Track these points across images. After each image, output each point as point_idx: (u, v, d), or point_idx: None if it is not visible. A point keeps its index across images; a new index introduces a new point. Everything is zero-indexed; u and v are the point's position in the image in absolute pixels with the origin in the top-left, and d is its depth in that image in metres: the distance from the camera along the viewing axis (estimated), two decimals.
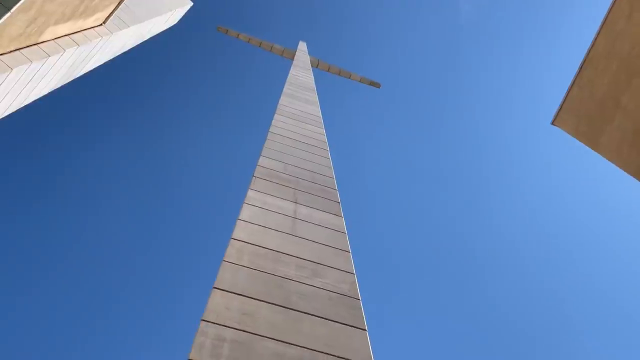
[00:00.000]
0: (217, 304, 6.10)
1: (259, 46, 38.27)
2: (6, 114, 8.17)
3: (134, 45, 13.63)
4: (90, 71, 11.70)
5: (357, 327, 6.55)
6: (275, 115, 16.42)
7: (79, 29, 8.68)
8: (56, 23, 7.58)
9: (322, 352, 5.79)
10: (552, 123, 12.18)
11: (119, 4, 9.57)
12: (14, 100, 7.69)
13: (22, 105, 8.33)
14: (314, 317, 6.41)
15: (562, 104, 11.83)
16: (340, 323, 6.49)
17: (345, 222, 10.08)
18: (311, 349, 5.79)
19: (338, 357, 5.81)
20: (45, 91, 8.83)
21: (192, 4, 18.02)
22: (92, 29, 9.25)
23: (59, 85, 9.47)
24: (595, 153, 11.92)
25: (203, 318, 5.81)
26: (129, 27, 10.86)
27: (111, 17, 9.87)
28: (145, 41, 16.39)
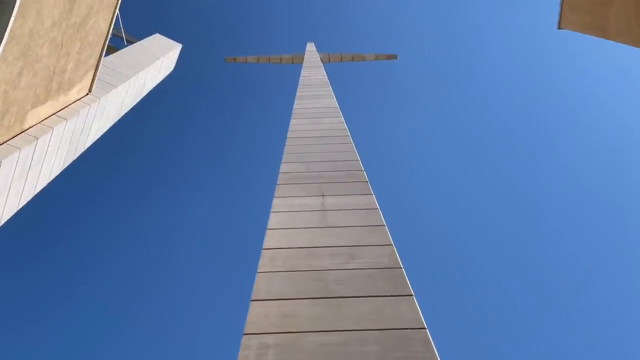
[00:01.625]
0: (257, 314, 6.14)
1: (269, 62, 38.60)
2: (18, 208, 8.56)
3: (135, 102, 14.03)
4: (106, 135, 12.26)
5: (401, 295, 6.41)
6: (292, 120, 16.47)
7: (64, 105, 9.05)
8: (34, 106, 7.94)
9: (367, 330, 5.70)
10: (559, 27, 11.55)
11: (96, 70, 9.89)
12: (22, 192, 8.08)
13: (35, 194, 8.75)
14: (354, 298, 6.33)
15: (562, 4, 11.24)
16: (383, 296, 6.37)
17: (377, 199, 9.93)
18: (356, 330, 5.71)
19: (385, 329, 5.70)
20: (54, 173, 9.21)
21: (180, 45, 18.40)
22: (78, 101, 9.61)
23: (67, 164, 9.88)
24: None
25: (245, 332, 5.86)
26: (116, 87, 11.20)
27: (95, 83, 10.23)
28: (152, 92, 17.01)
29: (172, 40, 17.89)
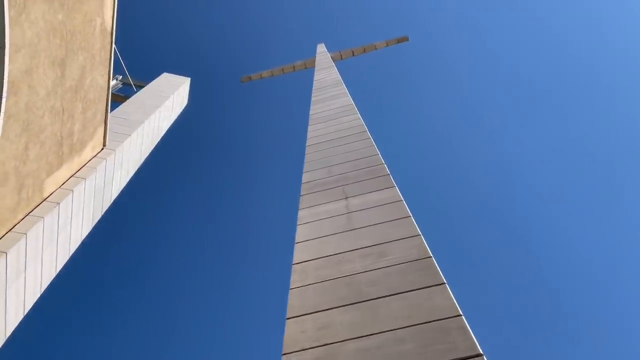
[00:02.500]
0: (293, 332, 6.18)
1: (282, 73, 38.83)
2: (56, 272, 8.85)
3: (154, 144, 14.33)
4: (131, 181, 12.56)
5: (433, 285, 6.33)
6: (309, 127, 16.51)
7: (81, 165, 9.33)
8: (50, 174, 8.21)
9: (403, 328, 5.65)
10: None
11: (105, 124, 10.13)
12: (56, 256, 8.35)
13: (70, 255, 9.06)
14: (387, 297, 6.28)
15: None
16: (415, 289, 6.30)
17: (401, 191, 9.84)
18: (392, 330, 5.66)
19: (420, 323, 5.64)
20: (85, 231, 9.51)
21: (189, 79, 18.65)
22: (94, 158, 9.89)
23: (97, 218, 10.18)
24: None
25: (283, 352, 5.91)
26: (130, 135, 11.48)
27: (107, 136, 10.51)
28: (170, 130, 17.33)
29: (179, 76, 18.20)
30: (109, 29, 9.40)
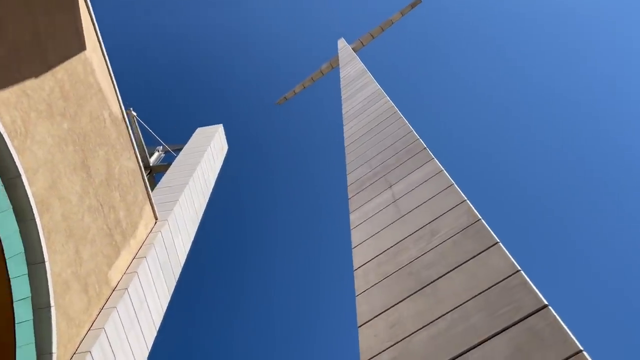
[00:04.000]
0: (366, 338, 6.20)
1: (313, 82, 39.02)
2: (148, 350, 9.28)
3: (207, 198, 14.76)
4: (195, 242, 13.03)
5: (487, 248, 6.15)
6: (344, 127, 16.51)
7: (139, 246, 9.80)
8: (110, 265, 8.68)
9: (467, 301, 5.52)
10: None
11: (150, 200, 10.61)
12: (142, 336, 8.73)
13: (157, 328, 9.49)
14: (446, 275, 6.17)
15: None
16: (471, 258, 6.15)
17: (440, 162, 9.66)
18: (457, 307, 5.55)
19: (482, 292, 5.49)
20: (164, 303, 9.92)
21: (221, 125, 19.05)
22: (150, 234, 10.37)
23: (172, 287, 10.61)
24: None
25: None
26: (178, 200, 11.92)
27: (156, 210, 10.98)
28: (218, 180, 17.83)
29: (212, 126, 18.67)
30: (120, 117, 9.92)
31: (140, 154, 18.64)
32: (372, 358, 5.93)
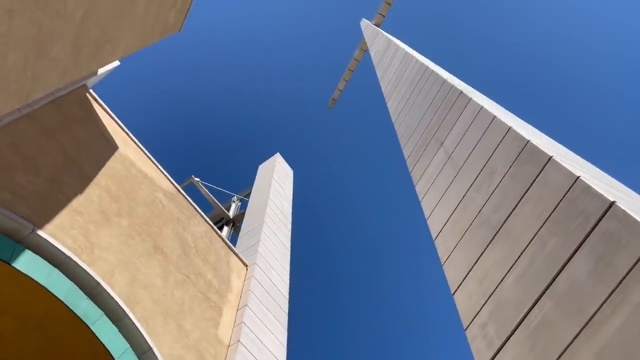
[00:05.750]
0: (463, 302, 6.09)
1: (351, 72, 38.83)
2: None
3: (289, 224, 14.89)
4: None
5: (543, 167, 5.82)
6: (388, 104, 16.29)
7: (238, 297, 10.11)
8: (216, 326, 8.96)
9: (539, 230, 5.26)
10: None
11: (233, 252, 10.96)
12: None
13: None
14: (514, 211, 5.91)
15: None
16: (532, 184, 5.86)
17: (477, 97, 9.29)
18: (533, 238, 5.31)
19: (550, 214, 5.20)
20: (281, 337, 10.03)
21: (277, 153, 19.26)
22: (245, 282, 10.64)
23: (285, 322, 10.74)
24: None
25: (464, 327, 5.83)
26: (259, 240, 12.21)
27: (242, 257, 11.29)
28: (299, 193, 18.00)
29: (270, 158, 19.02)
30: (174, 191, 10.42)
31: (217, 211, 19.50)
32: (472, 319, 5.80)
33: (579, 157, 7.61)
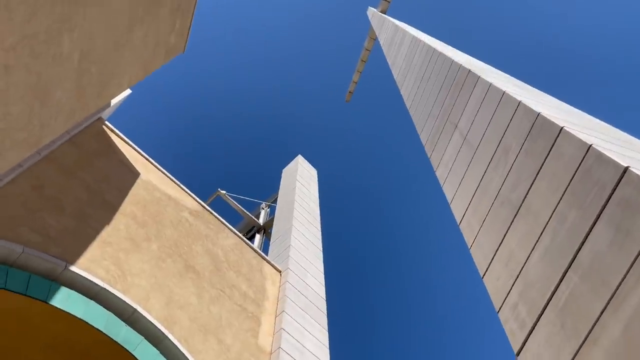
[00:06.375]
0: (492, 285, 6.03)
1: (363, 63, 38.63)
2: None
3: (318, 224, 14.94)
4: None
5: (555, 139, 5.72)
6: (401, 91, 16.18)
7: (275, 305, 10.15)
8: (256, 335, 9.02)
9: (557, 204, 5.17)
10: None
11: (265, 260, 10.97)
12: None
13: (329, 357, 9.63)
14: (532, 188, 5.82)
15: None
16: (546, 157, 5.76)
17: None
18: (551, 214, 5.23)
19: (566, 187, 5.11)
20: (323, 338, 10.05)
21: (299, 155, 19.15)
22: (280, 288, 10.71)
23: (325, 323, 10.79)
24: None
25: (497, 311, 5.78)
26: (290, 245, 12.26)
27: (275, 264, 11.36)
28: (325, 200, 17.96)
29: (292, 161, 19.07)
30: (199, 208, 10.60)
31: (247, 220, 19.70)
32: (504, 301, 5.75)
33: (593, 119, 7.40)
